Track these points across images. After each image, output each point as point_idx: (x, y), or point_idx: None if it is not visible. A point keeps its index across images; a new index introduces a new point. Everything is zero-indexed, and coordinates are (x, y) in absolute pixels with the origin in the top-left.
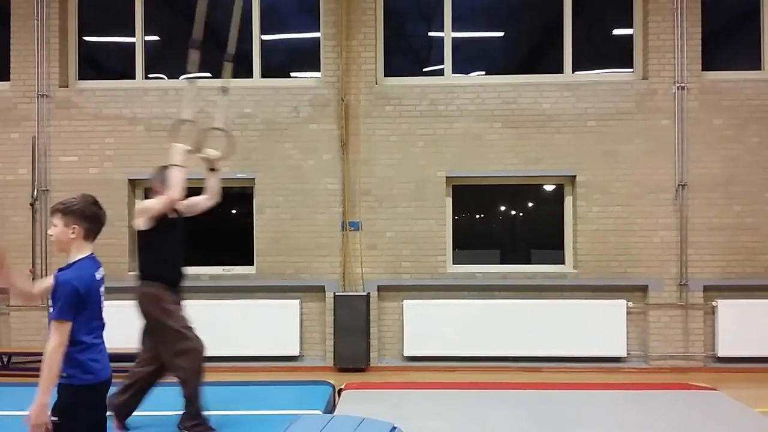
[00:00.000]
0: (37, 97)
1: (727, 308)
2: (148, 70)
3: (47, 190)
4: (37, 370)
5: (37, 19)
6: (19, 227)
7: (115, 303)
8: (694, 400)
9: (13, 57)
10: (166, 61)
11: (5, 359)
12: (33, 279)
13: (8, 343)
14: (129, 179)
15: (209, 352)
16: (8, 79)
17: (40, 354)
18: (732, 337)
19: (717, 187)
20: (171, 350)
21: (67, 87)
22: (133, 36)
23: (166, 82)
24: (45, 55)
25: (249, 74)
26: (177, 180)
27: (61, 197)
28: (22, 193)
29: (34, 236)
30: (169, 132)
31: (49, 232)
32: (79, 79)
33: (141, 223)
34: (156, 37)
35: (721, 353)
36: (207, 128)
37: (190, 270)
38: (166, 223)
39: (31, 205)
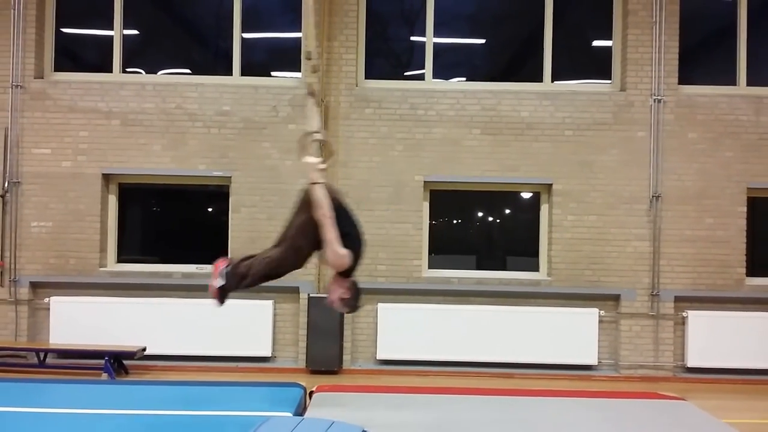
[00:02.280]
0: (11, 88)
1: (697, 319)
2: (126, 64)
3: (19, 182)
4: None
5: (14, 9)
6: None
7: (86, 299)
8: (663, 410)
9: None
10: (144, 55)
11: None
12: (2, 273)
13: None
14: (103, 174)
15: (180, 351)
16: None
17: (8, 348)
18: (701, 347)
19: (690, 199)
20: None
21: (42, 78)
22: (112, 29)
23: (143, 77)
24: (20, 45)
25: (229, 72)
26: (322, 199)
27: (33, 189)
28: None
29: (3, 229)
30: (299, 146)
31: None
32: (55, 70)
33: None
34: (135, 31)
35: (690, 364)
36: (307, 135)
37: (162, 267)
38: None
39: (2, 197)
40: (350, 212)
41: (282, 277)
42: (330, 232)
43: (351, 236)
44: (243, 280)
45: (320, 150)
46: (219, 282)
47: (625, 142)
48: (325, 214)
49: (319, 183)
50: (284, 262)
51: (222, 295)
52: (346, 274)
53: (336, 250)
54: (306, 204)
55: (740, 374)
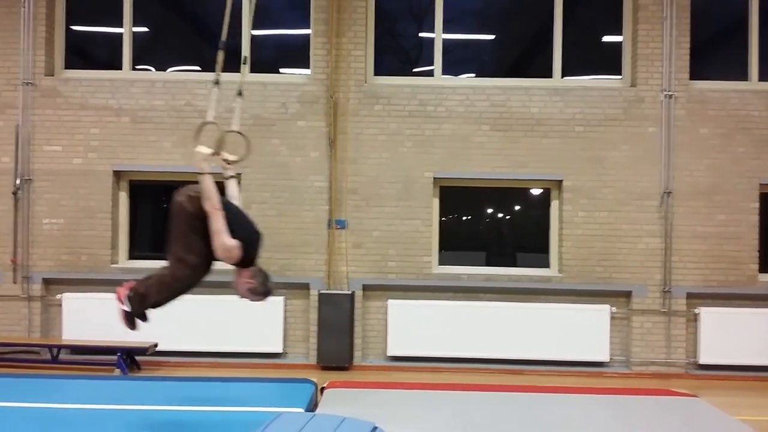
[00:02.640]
0: (22, 85)
1: (709, 316)
2: (136, 61)
3: (30, 179)
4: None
5: (24, 6)
6: (1, 216)
7: (98, 295)
8: (675, 407)
9: None
10: (154, 52)
11: None
12: (15, 269)
13: None
14: (114, 171)
15: (191, 347)
16: None
17: (21, 344)
18: (714, 344)
19: (701, 195)
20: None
21: (53, 76)
22: (122, 26)
23: (153, 74)
24: (31, 42)
25: (237, 69)
26: (210, 189)
27: (44, 187)
28: (4, 181)
29: (16, 226)
30: (193, 135)
31: None
32: (66, 68)
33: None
34: (144, 28)
35: (702, 360)
36: (226, 131)
37: None
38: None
39: (14, 194)
40: (238, 206)
41: (189, 290)
42: (217, 223)
43: (242, 227)
44: (146, 302)
45: (218, 141)
46: (126, 307)
47: (636, 138)
48: (213, 206)
49: (206, 173)
50: (179, 278)
51: (129, 320)
52: (245, 264)
53: (224, 241)
54: (181, 211)
55: (753, 371)
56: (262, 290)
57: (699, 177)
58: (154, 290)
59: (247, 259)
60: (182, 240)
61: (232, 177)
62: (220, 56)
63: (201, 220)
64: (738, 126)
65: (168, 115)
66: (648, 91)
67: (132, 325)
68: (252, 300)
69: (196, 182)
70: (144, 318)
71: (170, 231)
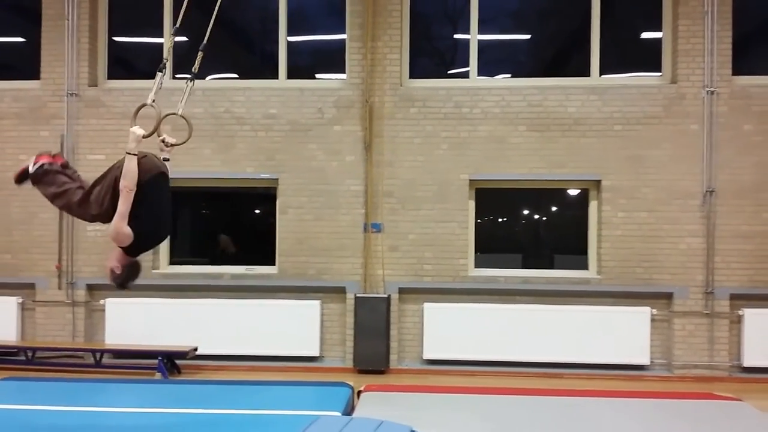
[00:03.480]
0: (67, 96)
1: (753, 317)
2: (176, 70)
3: None
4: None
5: (68, 19)
6: (47, 224)
7: (140, 301)
8: (719, 411)
9: (44, 56)
10: (193, 61)
11: (30, 353)
12: (60, 275)
13: (33, 337)
14: None
15: (230, 350)
16: (38, 78)
17: (65, 349)
18: (758, 346)
19: (746, 193)
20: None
21: (96, 86)
22: (162, 36)
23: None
24: (75, 54)
25: (275, 75)
26: (130, 170)
27: None
28: None
29: (61, 233)
30: (132, 116)
31: None
32: (108, 78)
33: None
34: (184, 38)
35: (746, 363)
36: (167, 114)
37: (212, 268)
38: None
39: None
40: (167, 199)
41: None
42: (123, 206)
43: (151, 220)
44: (43, 185)
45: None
46: (30, 167)
47: (677, 136)
48: (126, 186)
49: (132, 154)
50: (72, 204)
51: (22, 177)
52: (129, 252)
53: (119, 225)
54: (119, 165)
55: None
56: (119, 282)
57: (743, 175)
58: (54, 190)
59: (133, 250)
60: (101, 191)
61: (166, 160)
62: (199, 57)
63: (117, 189)
64: None
65: (207, 123)
66: (689, 87)
67: (19, 182)
68: (109, 280)
69: (237, 188)
70: (26, 181)
71: (105, 174)
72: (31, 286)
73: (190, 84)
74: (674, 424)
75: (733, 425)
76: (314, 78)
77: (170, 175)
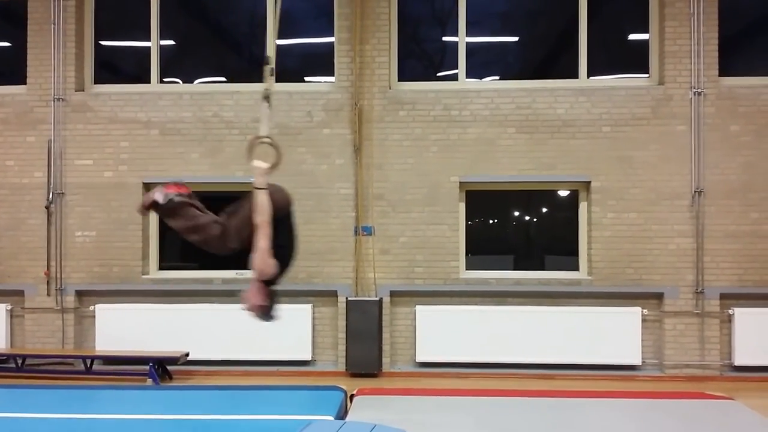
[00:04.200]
0: (53, 101)
1: (743, 316)
2: (163, 74)
3: (62, 193)
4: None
5: (54, 24)
6: (34, 230)
7: (130, 306)
8: (711, 410)
9: (30, 61)
10: (181, 65)
11: (19, 361)
12: (48, 282)
13: (23, 345)
14: (143, 183)
15: (222, 355)
16: (25, 83)
17: (55, 356)
18: (749, 345)
19: (734, 193)
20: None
21: (83, 91)
22: (149, 40)
23: (180, 87)
24: (61, 58)
25: (262, 79)
26: (264, 205)
27: (76, 200)
28: (37, 196)
29: (49, 239)
30: (247, 150)
31: None
32: (95, 82)
33: None
34: (171, 42)
35: (737, 362)
36: (256, 139)
37: (202, 273)
38: None
39: (47, 208)
40: (294, 224)
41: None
42: (263, 240)
43: (284, 248)
44: (173, 217)
45: (271, 155)
46: (159, 198)
47: (665, 137)
48: (262, 221)
49: (262, 189)
50: (211, 240)
51: (150, 207)
52: (268, 282)
53: (264, 258)
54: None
55: None
56: (269, 313)
57: (731, 175)
58: (189, 223)
59: (272, 280)
60: (242, 224)
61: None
62: (267, 71)
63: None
64: None
65: (195, 127)
66: (676, 89)
67: (145, 211)
68: (256, 317)
69: (227, 192)
70: (154, 211)
71: (241, 206)
72: (20, 293)
73: (266, 105)
74: (667, 423)
75: (726, 424)
76: (303, 81)
77: (159, 180)
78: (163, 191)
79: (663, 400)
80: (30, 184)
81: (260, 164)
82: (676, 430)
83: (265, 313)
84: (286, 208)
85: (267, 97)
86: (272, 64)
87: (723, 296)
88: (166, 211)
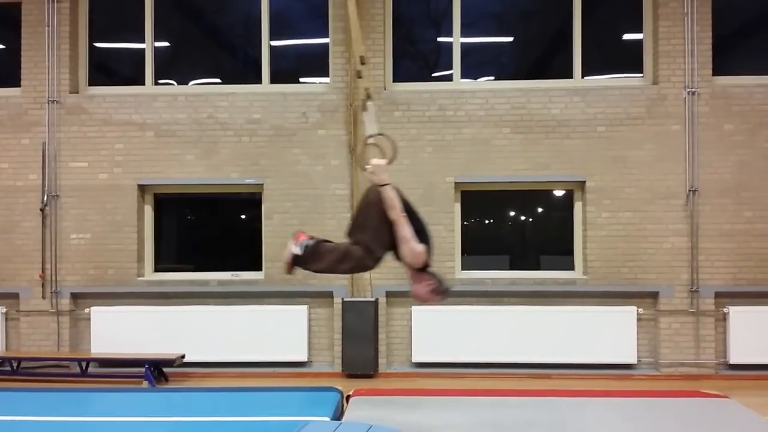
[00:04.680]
0: (48, 103)
1: (738, 315)
2: (158, 75)
3: (57, 195)
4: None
5: (48, 26)
6: (29, 233)
7: (125, 309)
8: (706, 408)
9: (24, 63)
10: (175, 66)
11: (15, 364)
12: (43, 285)
13: (18, 348)
14: (138, 185)
15: (218, 357)
16: (19, 85)
17: (50, 359)
18: (744, 344)
19: (728, 192)
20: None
21: (78, 93)
22: (143, 42)
23: (175, 88)
24: (55, 61)
25: (258, 80)
26: (394, 198)
27: (71, 202)
28: (32, 198)
29: (44, 241)
30: (361, 150)
31: None
32: (90, 85)
33: None
34: (166, 43)
35: (732, 360)
36: (369, 137)
37: (198, 275)
38: None
39: (41, 210)
40: (415, 209)
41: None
42: (405, 230)
43: (422, 232)
44: (317, 260)
45: (383, 151)
46: (297, 250)
47: (660, 137)
48: (398, 214)
49: (388, 184)
50: (359, 261)
51: (294, 263)
52: (423, 268)
53: (413, 247)
54: (374, 205)
55: None
56: (443, 288)
57: (725, 174)
58: (333, 258)
59: (427, 262)
60: (375, 232)
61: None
62: (361, 69)
63: (389, 220)
64: (764, 121)
65: (190, 128)
66: (670, 88)
67: (292, 270)
68: (434, 301)
69: (222, 194)
70: (300, 267)
71: (362, 217)
72: (15, 296)
73: (370, 104)
74: (662, 422)
75: (721, 422)
76: (298, 82)
77: (154, 182)
78: (295, 243)
79: (659, 399)
80: (24, 186)
81: (380, 161)
82: (672, 428)
83: (440, 291)
84: (404, 197)
85: (368, 96)
86: (365, 63)
87: (718, 295)
88: (308, 257)
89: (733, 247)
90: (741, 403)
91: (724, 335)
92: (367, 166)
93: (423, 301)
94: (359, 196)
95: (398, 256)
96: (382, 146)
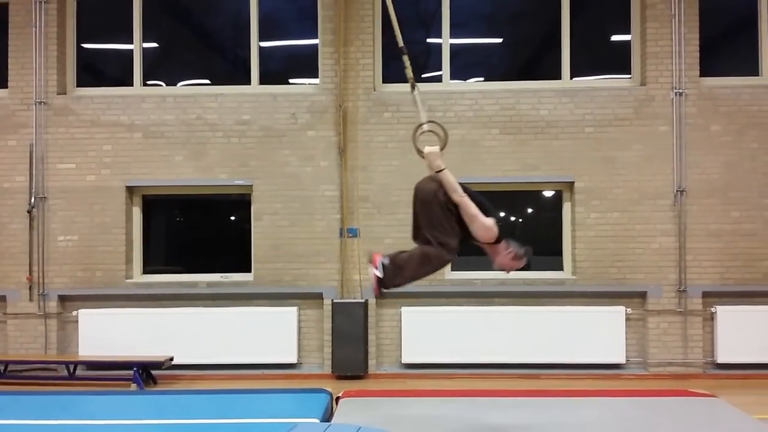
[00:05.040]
0: (35, 104)
1: (726, 314)
2: (146, 76)
3: (45, 197)
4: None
5: (35, 27)
6: (17, 235)
7: (114, 311)
8: (694, 407)
9: (11, 64)
10: (164, 67)
11: (2, 367)
12: (31, 287)
13: (5, 351)
14: (127, 186)
15: (207, 359)
16: (6, 87)
17: (38, 362)
18: (731, 343)
19: (715, 192)
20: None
21: (65, 94)
22: (132, 43)
23: (164, 89)
24: (43, 62)
25: (247, 81)
26: (453, 181)
27: (58, 204)
28: (19, 200)
29: (31, 244)
30: (413, 137)
31: None
32: (77, 86)
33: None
34: (154, 44)
35: (720, 360)
36: (418, 127)
37: (187, 277)
38: None
39: (29, 212)
40: (469, 187)
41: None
42: (472, 209)
43: (484, 206)
44: (399, 274)
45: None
46: (378, 272)
47: (648, 137)
48: (461, 194)
49: (444, 169)
50: (439, 258)
51: (381, 286)
52: (497, 240)
53: (484, 223)
54: (434, 199)
55: None
56: (523, 252)
57: (712, 174)
58: (413, 265)
59: (500, 235)
60: (443, 225)
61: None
62: (406, 60)
63: (450, 208)
64: (750, 122)
65: (179, 130)
66: (658, 89)
67: (380, 292)
68: (517, 267)
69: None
70: (388, 287)
71: (423, 217)
72: (2, 299)
73: (416, 92)
74: (651, 421)
75: (708, 421)
76: (287, 83)
77: (142, 183)
78: (374, 265)
79: (647, 398)
80: (12, 188)
81: (433, 148)
82: (661, 427)
83: (520, 257)
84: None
85: (413, 86)
86: (405, 53)
87: (705, 294)
88: (390, 275)
89: (720, 247)
90: (728, 401)
91: (711, 335)
92: (422, 154)
93: (509, 269)
94: (349, 197)
95: (471, 238)
96: (437, 132)
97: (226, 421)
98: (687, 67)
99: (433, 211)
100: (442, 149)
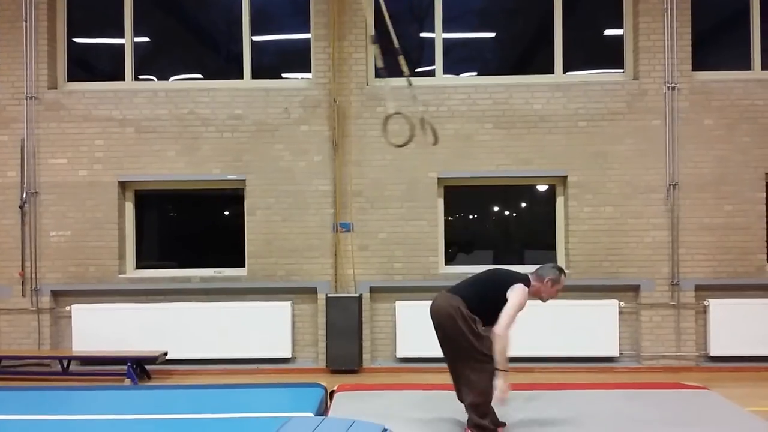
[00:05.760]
0: (26, 99)
1: (718, 308)
2: (138, 71)
3: (36, 192)
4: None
5: (26, 21)
6: (8, 230)
7: (107, 306)
8: (687, 400)
9: (1, 59)
10: (156, 62)
11: None
12: (23, 282)
13: None
14: (119, 181)
15: (201, 354)
16: None
17: (31, 357)
18: (724, 336)
19: (708, 186)
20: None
21: (56, 89)
22: (123, 37)
23: (156, 84)
24: (33, 56)
25: (240, 75)
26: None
27: (50, 199)
28: (10, 195)
29: (23, 239)
30: (382, 128)
31: None
32: (68, 80)
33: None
34: (146, 39)
35: (712, 353)
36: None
37: (180, 272)
38: None
39: (21, 207)
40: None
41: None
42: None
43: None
44: (489, 414)
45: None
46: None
47: (640, 132)
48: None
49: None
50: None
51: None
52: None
53: (500, 333)
54: (455, 324)
55: (764, 362)
56: (557, 273)
57: (705, 168)
58: (485, 399)
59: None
60: (474, 344)
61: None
62: (401, 60)
63: (464, 318)
64: (742, 116)
65: (171, 124)
66: (651, 83)
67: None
68: (561, 289)
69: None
70: (502, 424)
71: (450, 344)
72: None
73: (409, 87)
74: (644, 413)
75: (701, 413)
76: (280, 78)
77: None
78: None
79: (640, 391)
80: (3, 183)
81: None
82: (653, 419)
83: (561, 275)
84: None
85: (409, 84)
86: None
87: (698, 288)
88: (491, 423)
89: (713, 241)
90: (721, 394)
91: (704, 328)
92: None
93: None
94: (342, 192)
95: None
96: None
97: (221, 415)
98: (679, 62)
99: (461, 334)
100: (408, 142)
